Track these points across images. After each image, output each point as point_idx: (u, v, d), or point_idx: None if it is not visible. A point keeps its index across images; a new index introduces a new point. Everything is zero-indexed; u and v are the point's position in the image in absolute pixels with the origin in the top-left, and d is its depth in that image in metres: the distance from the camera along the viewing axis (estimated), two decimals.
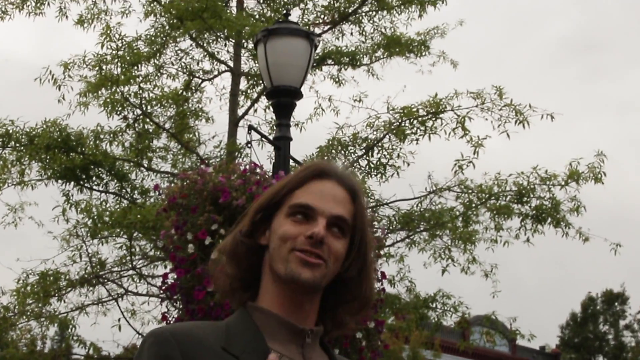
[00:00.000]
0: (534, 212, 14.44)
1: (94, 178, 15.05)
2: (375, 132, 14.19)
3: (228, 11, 15.35)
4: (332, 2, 16.32)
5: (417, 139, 14.04)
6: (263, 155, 15.08)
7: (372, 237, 2.41)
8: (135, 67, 14.95)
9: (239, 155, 13.94)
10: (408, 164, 14.51)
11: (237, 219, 2.41)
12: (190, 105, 16.06)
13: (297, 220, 2.23)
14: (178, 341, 2.12)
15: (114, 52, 14.64)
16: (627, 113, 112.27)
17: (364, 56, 16.43)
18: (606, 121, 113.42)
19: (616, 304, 62.88)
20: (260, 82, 14.66)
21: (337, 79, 16.38)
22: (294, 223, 2.23)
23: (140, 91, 14.94)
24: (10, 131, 14.52)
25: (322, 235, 2.20)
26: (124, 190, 15.39)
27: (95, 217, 13.61)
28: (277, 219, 2.27)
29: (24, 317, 14.22)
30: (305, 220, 2.23)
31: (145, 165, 15.53)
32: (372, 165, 14.40)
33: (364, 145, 14.24)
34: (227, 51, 16.19)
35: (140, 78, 15.11)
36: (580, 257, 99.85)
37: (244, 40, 15.34)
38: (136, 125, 15.25)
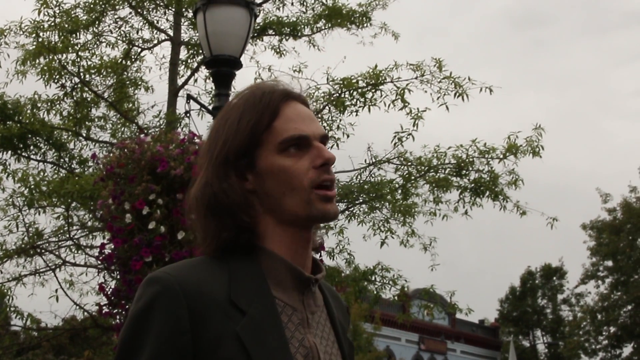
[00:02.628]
0: (473, 185, 14.54)
1: (31, 147, 14.88)
2: (315, 103, 14.17)
3: None
4: None
5: (356, 111, 14.07)
6: (203, 125, 15.04)
7: None
8: (74, 35, 14.80)
9: (179, 125, 13.84)
10: (348, 136, 14.54)
11: (196, 169, 2.29)
12: (129, 74, 15.94)
13: (292, 154, 2.15)
14: (187, 295, 2.01)
15: (51, 19, 14.46)
16: (567, 87, 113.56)
17: (305, 27, 16.39)
18: (546, 95, 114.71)
19: (554, 278, 63.72)
20: (200, 51, 14.54)
21: (278, 50, 16.34)
22: (292, 158, 2.14)
23: (79, 59, 14.79)
24: None
25: (334, 158, 2.17)
26: (62, 160, 15.23)
27: (33, 187, 13.46)
28: (263, 158, 2.15)
29: None
30: (301, 151, 2.16)
31: (84, 135, 15.38)
32: None
33: None
34: (167, 20, 16.09)
35: (79, 46, 14.96)
36: (520, 231, 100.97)
37: (184, 9, 15.24)
38: (74, 94, 15.10)
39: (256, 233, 2.17)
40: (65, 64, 14.61)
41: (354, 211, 14.71)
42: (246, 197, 2.14)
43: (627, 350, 47.72)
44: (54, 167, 15.16)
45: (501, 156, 14.39)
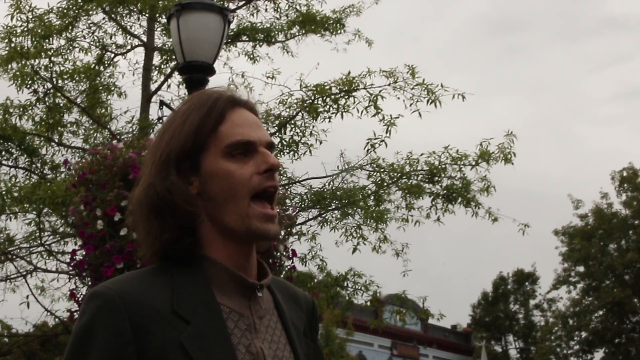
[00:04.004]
0: (445, 191, 14.60)
1: (3, 152, 14.83)
2: (288, 110, 14.20)
3: None
4: None
5: (329, 117, 14.09)
6: None
7: None
8: (47, 40, 14.73)
9: (152, 131, 13.81)
10: (320, 142, 14.54)
11: (140, 172, 2.24)
12: (102, 79, 15.88)
13: (237, 159, 2.13)
14: (128, 308, 2.01)
15: (24, 24, 14.41)
16: (540, 93, 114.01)
17: (279, 33, 16.39)
18: (519, 101, 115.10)
19: (527, 283, 63.94)
20: (174, 57, 14.53)
21: (251, 56, 16.33)
22: (237, 163, 2.13)
23: (51, 64, 14.74)
24: None
25: (278, 164, 2.16)
26: (34, 165, 15.19)
27: (4, 192, 13.39)
28: (208, 161, 2.14)
29: None
30: (246, 157, 2.14)
31: (56, 140, 15.34)
32: (285, 143, 14.39)
33: (277, 122, 14.23)
34: (141, 25, 16.06)
35: (52, 51, 14.90)
36: (492, 237, 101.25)
37: (157, 15, 15.21)
38: (47, 99, 15.04)
39: (198, 239, 2.17)
40: (37, 69, 14.56)
41: (327, 217, 14.73)
42: (189, 197, 2.13)
43: (598, 355, 48.02)
44: (26, 172, 15.10)
45: (473, 163, 14.46)
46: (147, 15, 15.45)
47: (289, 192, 14.34)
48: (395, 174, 14.62)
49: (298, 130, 14.37)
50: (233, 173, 2.12)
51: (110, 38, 16.18)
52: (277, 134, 14.27)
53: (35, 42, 14.37)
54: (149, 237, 2.17)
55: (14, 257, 14.18)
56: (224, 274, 2.15)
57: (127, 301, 2.03)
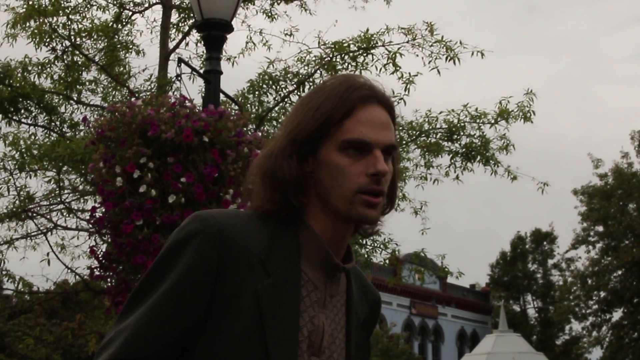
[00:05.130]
0: (464, 149, 14.58)
1: (22, 111, 14.83)
2: (306, 67, 14.16)
3: None
4: None
5: None
6: (194, 89, 15.02)
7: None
8: None
9: (170, 89, 13.79)
10: None
11: (271, 137, 2.41)
12: (120, 37, 15.84)
13: (351, 154, 2.22)
14: (222, 241, 2.16)
15: None
16: (560, 53, 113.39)
17: None
18: (539, 60, 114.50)
19: (545, 243, 63.83)
20: (192, 15, 14.47)
21: (269, 14, 16.23)
22: (349, 159, 2.22)
23: (69, 22, 14.72)
24: None
25: (387, 171, 2.23)
26: (53, 123, 15.20)
27: (24, 150, 13.45)
28: (325, 149, 2.24)
29: None
30: (360, 154, 2.23)
31: (75, 98, 15.33)
32: None
33: (295, 80, 14.20)
34: None
35: (69, 9, 14.87)
36: (511, 196, 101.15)
37: None
38: (65, 57, 15.03)
39: (304, 210, 2.28)
40: (55, 27, 14.54)
41: None
42: (300, 180, 2.25)
43: (617, 314, 47.94)
44: (45, 130, 15.13)
45: (492, 121, 14.43)
46: None
47: None
48: (414, 132, 14.61)
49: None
50: (343, 168, 2.23)
51: None
52: (295, 91, 14.25)
53: (52, 0, 14.35)
54: (256, 199, 2.31)
55: (34, 214, 14.24)
56: (315, 244, 2.26)
57: (225, 235, 2.18)
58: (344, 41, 13.85)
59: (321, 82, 2.44)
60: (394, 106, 2.35)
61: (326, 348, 2.26)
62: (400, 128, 14.66)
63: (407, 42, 13.84)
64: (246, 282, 2.14)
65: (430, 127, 14.55)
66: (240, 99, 14.05)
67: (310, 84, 14.22)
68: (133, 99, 8.85)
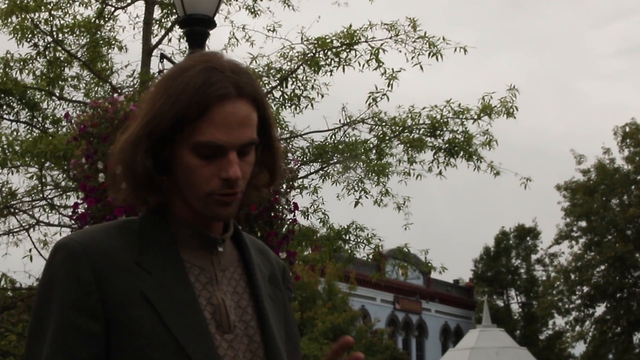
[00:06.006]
0: (447, 145, 14.62)
1: (4, 107, 14.81)
2: (289, 63, 14.18)
3: None
4: None
5: (331, 71, 14.09)
6: None
7: (274, 119, 2.34)
8: None
9: (152, 85, 13.77)
10: (322, 96, 14.54)
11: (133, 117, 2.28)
12: (102, 33, 15.82)
13: (203, 156, 2.12)
14: (90, 258, 2.08)
15: None
16: (543, 48, 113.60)
17: None
18: (522, 56, 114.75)
19: (528, 238, 63.99)
20: (174, 10, 14.46)
21: (252, 9, 16.21)
22: (202, 160, 2.12)
23: (51, 18, 14.68)
24: None
25: (238, 177, 2.14)
26: (35, 119, 15.19)
27: (6, 146, 13.42)
28: (180, 147, 2.14)
29: None
30: (213, 156, 2.13)
31: (57, 94, 15.32)
32: (286, 97, 14.40)
33: (278, 76, 14.21)
34: None
35: (51, 5, 14.84)
36: (494, 192, 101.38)
37: None
38: (47, 53, 15.01)
39: (168, 199, 2.22)
40: (37, 22, 14.51)
41: (328, 171, 14.75)
42: (153, 176, 2.17)
43: (600, 309, 48.13)
44: (27, 126, 15.11)
45: (475, 117, 14.47)
46: None
47: (290, 146, 14.35)
48: (397, 128, 14.64)
49: (299, 84, 14.37)
50: (195, 170, 2.14)
51: None
52: (278, 87, 14.26)
53: None
54: (122, 188, 2.23)
55: (17, 211, 14.21)
56: (186, 228, 2.21)
57: (90, 251, 2.09)
58: (326, 37, 13.88)
59: (185, 60, 2.27)
60: (259, 93, 2.21)
61: (237, 322, 2.20)
62: (383, 124, 14.69)
63: (390, 38, 13.90)
64: (130, 288, 2.07)
65: (413, 123, 14.59)
66: None
67: (294, 79, 14.24)
68: (115, 95, 8.85)
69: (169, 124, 2.12)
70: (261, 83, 14.27)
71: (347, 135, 14.70)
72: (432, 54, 13.70)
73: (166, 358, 2.06)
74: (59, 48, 14.95)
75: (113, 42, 15.89)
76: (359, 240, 14.95)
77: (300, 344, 2.45)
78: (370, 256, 15.71)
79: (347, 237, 14.92)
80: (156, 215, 2.22)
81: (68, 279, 2.06)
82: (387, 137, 14.72)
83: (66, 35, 15.11)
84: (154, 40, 15.29)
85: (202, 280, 2.18)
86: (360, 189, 14.58)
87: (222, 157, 2.13)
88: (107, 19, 16.07)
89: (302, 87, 14.37)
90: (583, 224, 48.12)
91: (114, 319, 2.06)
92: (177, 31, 15.39)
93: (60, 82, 15.31)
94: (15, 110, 14.94)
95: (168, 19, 15.97)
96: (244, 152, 2.17)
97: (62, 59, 15.23)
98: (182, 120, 2.11)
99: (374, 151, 14.65)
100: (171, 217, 2.21)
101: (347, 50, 13.88)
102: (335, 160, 14.56)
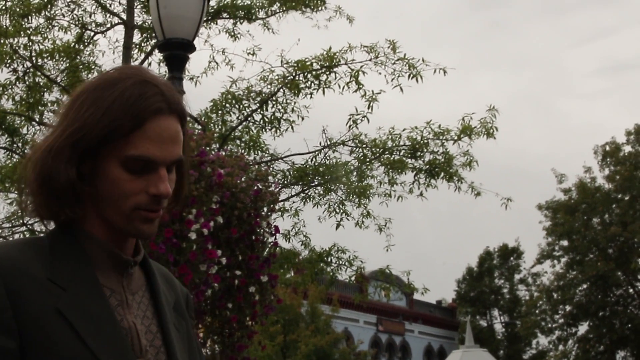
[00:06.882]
0: (428, 166, 14.66)
1: None
2: (269, 86, 14.20)
3: None
4: None
5: (311, 93, 14.11)
6: None
7: (188, 139, 2.28)
8: (25, 19, 14.66)
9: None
10: (302, 118, 14.55)
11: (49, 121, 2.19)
12: (82, 58, 15.78)
13: (132, 170, 2.08)
14: (1, 273, 1.98)
15: (2, 2, 14.32)
16: (522, 69, 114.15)
17: (260, 10, 16.30)
18: (502, 76, 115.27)
19: (511, 258, 64.16)
20: (154, 35, 14.46)
21: (232, 33, 16.23)
22: (130, 174, 2.08)
23: (30, 43, 14.66)
24: None
25: (169, 193, 2.11)
26: (15, 145, 15.14)
27: None
28: (106, 159, 2.08)
29: None
30: (142, 171, 2.09)
31: (37, 120, 15.27)
32: (267, 120, 14.40)
33: (258, 99, 14.22)
34: (120, 3, 15.93)
35: (31, 30, 14.82)
36: (476, 213, 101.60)
37: None
38: (26, 78, 14.98)
39: (79, 216, 2.14)
40: (17, 48, 14.49)
41: (309, 193, 14.75)
42: (76, 188, 2.09)
43: (583, 328, 48.23)
44: (7, 152, 15.07)
45: (455, 137, 14.51)
46: None
47: (271, 169, 14.35)
48: (378, 150, 14.66)
49: (280, 107, 14.39)
50: (122, 183, 2.09)
51: (90, 16, 16.08)
52: (258, 110, 14.26)
53: (14, 21, 14.30)
54: (35, 200, 2.14)
55: None
56: (98, 248, 2.14)
57: (1, 267, 2.00)
58: (306, 60, 13.90)
59: (109, 71, 2.20)
60: (186, 112, 2.20)
61: (148, 346, 2.15)
62: (364, 145, 14.72)
63: (370, 60, 13.93)
64: (45, 304, 1.99)
65: (394, 145, 14.61)
66: (203, 119, 14.05)
67: (274, 102, 14.25)
68: None
69: (98, 136, 2.07)
70: (241, 106, 14.29)
71: (328, 158, 14.72)
72: (411, 75, 13.74)
73: None
74: (39, 73, 14.93)
75: (93, 67, 15.86)
76: (340, 262, 14.96)
77: None
78: (353, 278, 15.71)
79: (329, 260, 14.93)
80: (66, 231, 2.14)
81: None
82: (368, 159, 14.74)
83: (45, 60, 15.09)
84: (134, 65, 15.28)
85: (114, 302, 2.12)
86: (342, 211, 14.62)
87: (152, 173, 2.10)
88: (86, 44, 16.06)
89: (282, 110, 14.39)
90: (565, 243, 48.24)
91: (29, 336, 1.98)
92: (157, 55, 15.39)
93: (40, 107, 15.27)
94: None
95: (148, 43, 15.97)
96: (169, 170, 2.15)
97: (41, 84, 15.20)
98: (113, 133, 2.06)
99: (354, 173, 14.67)
100: (82, 234, 2.14)
101: (327, 73, 13.91)
102: (316, 183, 14.57)
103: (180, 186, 2.25)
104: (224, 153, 7.74)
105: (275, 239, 7.11)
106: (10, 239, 14.24)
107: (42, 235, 2.16)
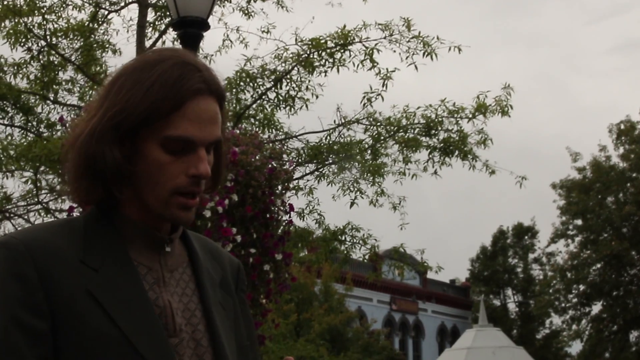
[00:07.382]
0: (442, 144, 14.63)
1: None
2: (283, 64, 14.18)
3: None
4: None
5: (325, 71, 14.08)
6: None
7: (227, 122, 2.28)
8: None
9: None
10: (317, 97, 14.54)
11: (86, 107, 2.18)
12: (96, 37, 15.78)
13: (172, 151, 2.08)
14: (33, 255, 2.00)
15: None
16: (537, 47, 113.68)
17: None
18: (516, 55, 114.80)
19: (526, 237, 63.97)
20: (168, 13, 14.43)
21: (246, 11, 16.19)
22: (170, 156, 2.08)
23: (45, 22, 14.67)
24: None
25: (208, 174, 2.11)
26: (29, 124, 15.18)
27: (0, 151, 13.40)
28: (145, 140, 2.08)
29: None
30: (182, 152, 2.09)
31: (51, 98, 15.30)
32: (281, 98, 14.40)
33: (273, 77, 14.21)
34: None
35: (45, 9, 14.82)
36: (491, 191, 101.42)
37: None
38: (41, 57, 14.99)
39: (122, 196, 2.14)
40: (31, 27, 14.50)
41: (323, 172, 14.75)
42: (122, 170, 2.09)
43: (597, 307, 48.13)
44: (22, 131, 15.10)
45: (470, 116, 14.48)
46: None
47: (285, 147, 14.34)
48: (392, 128, 14.64)
49: (294, 85, 14.37)
50: (163, 165, 2.09)
51: None
52: (273, 88, 14.25)
53: (28, 0, 14.29)
54: (78, 185, 2.14)
55: (12, 215, 14.20)
56: (134, 228, 2.15)
57: (33, 249, 2.02)
58: (321, 38, 13.87)
59: (147, 53, 2.20)
60: (225, 94, 2.20)
61: (184, 325, 2.14)
62: (378, 124, 14.70)
63: (385, 38, 13.90)
64: (76, 286, 2.00)
65: (408, 123, 14.60)
66: None
67: (288, 80, 14.24)
68: None
69: (140, 116, 2.07)
70: (256, 84, 14.29)
71: (342, 136, 14.71)
72: (426, 53, 13.71)
73: (117, 357, 2.00)
74: (53, 52, 14.94)
75: (107, 46, 15.86)
76: (354, 240, 14.96)
77: (259, 350, 2.38)
78: (367, 257, 15.73)
79: (343, 238, 14.93)
80: (101, 213, 2.15)
81: (10, 277, 1.99)
82: (382, 137, 14.73)
83: (60, 39, 15.09)
84: (147, 43, 15.27)
85: (149, 281, 2.12)
86: (356, 189, 14.61)
87: (191, 154, 2.10)
88: (100, 23, 16.04)
89: (296, 88, 14.38)
90: (579, 222, 48.08)
91: (60, 317, 1.99)
92: (171, 34, 15.37)
93: (54, 86, 15.29)
94: (10, 114, 14.96)
95: (162, 21, 15.95)
96: (208, 151, 2.14)
97: (56, 62, 15.22)
98: (153, 114, 2.06)
99: (369, 151, 14.66)
100: (117, 216, 2.15)
101: (342, 51, 13.88)
102: (330, 161, 14.57)
103: (217, 168, 2.25)
104: (238, 131, 7.76)
105: (290, 217, 7.12)
106: (25, 217, 14.33)
107: (77, 216, 2.16)
